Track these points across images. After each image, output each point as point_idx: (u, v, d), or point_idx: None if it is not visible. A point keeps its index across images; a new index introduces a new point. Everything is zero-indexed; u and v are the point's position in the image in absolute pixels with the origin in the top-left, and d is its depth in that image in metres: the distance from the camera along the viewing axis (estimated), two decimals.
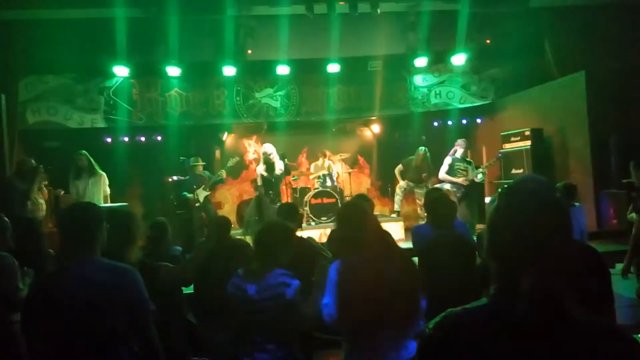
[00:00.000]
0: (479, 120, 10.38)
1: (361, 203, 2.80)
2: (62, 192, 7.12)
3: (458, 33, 8.16)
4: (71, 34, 7.40)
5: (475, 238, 4.46)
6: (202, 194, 8.19)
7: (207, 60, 8.68)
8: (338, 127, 10.62)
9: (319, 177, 9.15)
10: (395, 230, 8.15)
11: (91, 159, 6.80)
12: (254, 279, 2.61)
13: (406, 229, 8.59)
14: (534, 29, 8.40)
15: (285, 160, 9.08)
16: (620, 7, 7.82)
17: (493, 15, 8.17)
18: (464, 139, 8.26)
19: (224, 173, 8.17)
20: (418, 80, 9.76)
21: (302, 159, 10.58)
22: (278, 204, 7.58)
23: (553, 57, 8.47)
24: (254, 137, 10.48)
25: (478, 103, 9.88)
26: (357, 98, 9.67)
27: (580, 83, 7.57)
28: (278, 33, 7.98)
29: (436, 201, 3.45)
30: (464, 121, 10.34)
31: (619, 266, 5.08)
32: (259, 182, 7.92)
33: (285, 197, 9.10)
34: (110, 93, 8.88)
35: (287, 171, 8.64)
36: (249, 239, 6.11)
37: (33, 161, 6.30)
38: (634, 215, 4.99)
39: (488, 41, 8.83)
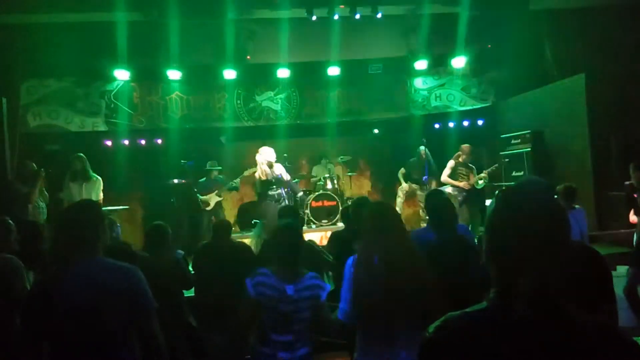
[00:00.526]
0: (479, 123, 10.38)
1: (388, 203, 2.86)
2: (64, 195, 7.12)
3: (458, 36, 8.17)
4: (72, 38, 7.41)
5: (477, 241, 4.46)
6: (214, 198, 8.19)
7: (208, 64, 8.70)
8: (338, 130, 10.61)
9: (319, 180, 9.16)
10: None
11: (86, 163, 6.75)
12: (291, 280, 2.69)
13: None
14: (533, 31, 8.41)
15: (286, 163, 9.08)
16: (620, 9, 7.83)
17: (493, 18, 8.18)
18: (468, 145, 8.20)
19: (239, 181, 8.16)
20: (418, 83, 9.78)
21: (303, 162, 10.58)
22: (280, 205, 7.55)
23: (553, 60, 8.47)
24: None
25: (478, 105, 9.89)
26: (357, 101, 9.68)
27: (580, 85, 7.57)
28: (278, 36, 7.99)
29: (437, 204, 3.45)
30: (465, 124, 10.35)
31: (620, 268, 5.07)
32: (259, 188, 7.82)
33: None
34: (111, 96, 8.89)
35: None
36: (248, 241, 6.13)
37: (34, 165, 6.30)
38: (635, 217, 5.00)
39: (489, 46, 8.83)
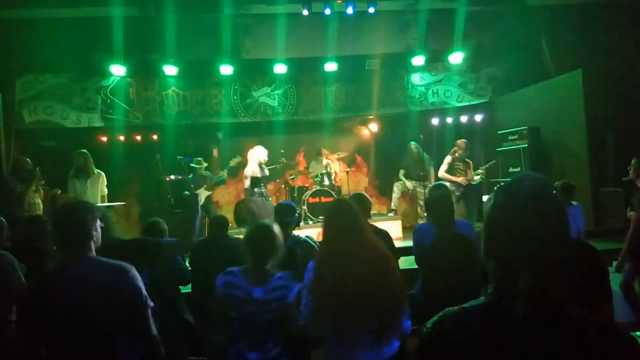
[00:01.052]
0: (476, 119, 10.38)
1: (349, 202, 2.78)
2: (60, 192, 7.10)
3: (455, 32, 8.17)
4: (68, 33, 7.38)
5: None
6: (203, 193, 8.20)
7: (204, 59, 8.66)
8: (336, 125, 10.60)
9: (316, 176, 9.15)
10: (393, 229, 8.15)
11: (90, 159, 6.74)
12: (258, 281, 2.64)
13: (404, 228, 8.61)
14: (531, 27, 8.41)
15: (283, 159, 9.08)
16: (617, 5, 7.83)
17: (490, 13, 8.17)
18: (464, 140, 8.32)
19: (225, 173, 8.18)
20: (415, 78, 9.77)
21: (300, 157, 10.57)
22: (272, 202, 7.66)
23: (550, 56, 8.48)
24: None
25: (475, 101, 9.89)
26: (354, 97, 9.67)
27: (577, 81, 7.58)
28: (275, 32, 7.97)
29: (437, 200, 3.45)
30: (462, 119, 10.35)
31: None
32: (248, 184, 7.90)
33: (284, 196, 9.10)
34: (107, 92, 8.86)
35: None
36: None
37: (30, 162, 6.25)
38: (632, 213, 5.00)
39: (486, 42, 8.83)
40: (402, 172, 8.95)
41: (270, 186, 10.15)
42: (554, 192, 4.71)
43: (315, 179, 9.15)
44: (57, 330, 2.04)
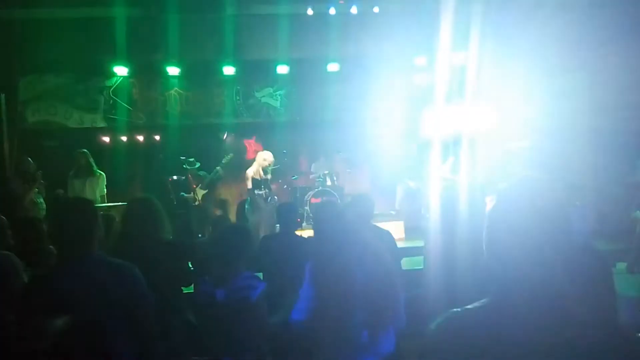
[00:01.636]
0: None
1: (334, 202, 2.82)
2: (62, 192, 7.11)
3: (456, 32, 8.12)
4: (71, 33, 7.39)
5: None
6: (200, 193, 8.20)
7: (207, 60, 8.67)
8: (338, 126, 10.58)
9: (319, 177, 9.14)
10: (396, 229, 8.13)
11: (90, 159, 6.76)
12: (221, 283, 2.61)
13: (406, 229, 8.59)
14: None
15: (286, 159, 9.08)
16: (622, 4, 7.78)
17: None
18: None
19: (220, 169, 8.20)
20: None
21: (302, 158, 10.55)
22: (275, 202, 7.68)
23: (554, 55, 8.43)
24: (254, 137, 10.46)
25: None
26: (356, 97, 9.64)
27: (582, 81, 7.55)
28: (277, 32, 7.97)
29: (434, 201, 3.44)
30: None
31: (620, 265, 5.07)
32: (250, 185, 7.93)
33: (286, 197, 9.10)
34: (110, 92, 8.87)
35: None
36: None
37: (32, 164, 6.25)
38: (638, 213, 4.99)
39: None
40: (405, 172, 8.93)
41: (272, 186, 10.15)
42: (556, 192, 4.70)
43: (318, 179, 9.15)
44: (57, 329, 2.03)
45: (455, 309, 1.19)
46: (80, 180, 6.65)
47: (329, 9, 7.48)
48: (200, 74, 9.10)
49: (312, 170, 9.67)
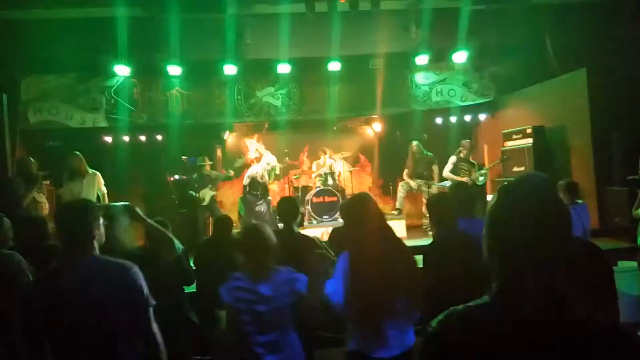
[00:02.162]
0: (480, 118, 10.36)
1: (366, 199, 2.90)
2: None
3: (459, 31, 8.13)
4: (72, 34, 7.39)
5: None
6: (208, 193, 8.23)
7: (208, 59, 8.67)
8: (339, 125, 10.61)
9: (320, 176, 9.16)
10: (398, 228, 8.15)
11: (82, 160, 6.70)
12: (264, 278, 2.65)
13: (408, 228, 8.60)
14: (535, 25, 8.37)
15: (287, 159, 9.10)
16: (621, 3, 7.78)
17: (494, 12, 8.14)
18: (468, 141, 8.47)
19: (232, 172, 8.24)
20: (419, 78, 9.74)
21: (304, 157, 10.57)
22: (268, 205, 7.74)
23: (554, 54, 8.44)
24: (255, 136, 10.48)
25: (479, 101, 9.86)
26: (358, 96, 9.65)
27: (582, 80, 7.55)
28: (279, 31, 7.96)
29: (437, 201, 3.44)
30: (466, 119, 10.33)
31: (621, 264, 5.07)
32: (247, 182, 7.95)
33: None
34: (112, 92, 8.89)
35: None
36: None
37: (34, 164, 6.25)
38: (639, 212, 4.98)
39: (497, 38, 8.77)
40: (405, 171, 8.94)
41: (273, 185, 10.18)
42: (557, 191, 4.70)
43: (319, 179, 9.16)
44: (60, 329, 2.04)
45: (456, 307, 1.19)
46: (76, 181, 6.62)
47: (330, 8, 7.46)
48: (202, 74, 9.11)
49: (313, 169, 9.69)
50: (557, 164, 8.13)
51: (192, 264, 4.66)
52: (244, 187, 7.91)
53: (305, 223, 8.38)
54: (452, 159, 8.35)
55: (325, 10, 7.47)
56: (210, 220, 8.10)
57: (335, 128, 10.55)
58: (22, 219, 3.77)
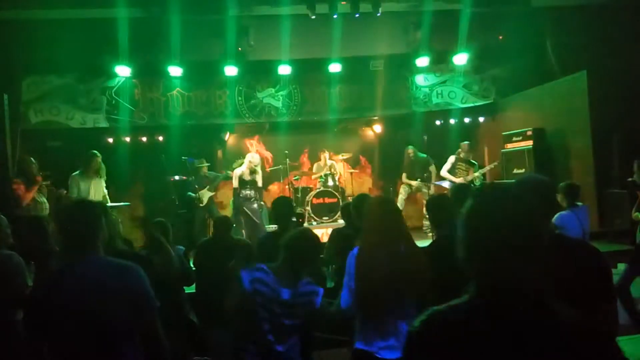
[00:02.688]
0: (480, 120, 10.37)
1: (388, 198, 2.96)
2: (65, 192, 7.12)
3: (460, 33, 8.16)
4: (73, 34, 7.40)
5: None
6: (206, 194, 8.24)
7: (209, 60, 8.68)
8: (340, 127, 10.61)
9: (320, 177, 9.16)
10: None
11: (101, 162, 6.77)
12: (289, 284, 2.65)
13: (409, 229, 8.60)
14: (535, 28, 8.38)
15: (287, 160, 9.10)
16: (621, 5, 7.80)
17: (495, 14, 8.16)
18: (467, 143, 8.53)
19: (230, 172, 8.24)
20: (420, 80, 9.76)
21: (304, 158, 10.58)
22: (260, 203, 7.74)
23: (555, 57, 8.45)
24: (256, 138, 10.49)
25: (480, 103, 9.87)
26: (358, 98, 9.67)
27: (582, 82, 7.56)
28: (279, 33, 7.98)
29: (437, 203, 3.46)
30: (466, 121, 10.34)
31: (621, 266, 5.07)
32: (236, 184, 7.95)
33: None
34: (113, 93, 8.89)
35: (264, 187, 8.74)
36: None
37: (35, 165, 6.25)
38: (639, 214, 4.98)
39: (500, 37, 8.77)
40: (404, 175, 8.97)
41: (274, 187, 10.19)
42: (558, 193, 4.70)
43: (319, 180, 9.17)
44: (62, 330, 2.03)
45: (437, 307, 1.23)
46: (87, 181, 6.65)
47: (331, 10, 7.47)
48: (202, 75, 9.12)
49: (313, 170, 9.70)
50: (557, 166, 8.14)
51: (191, 264, 4.67)
52: (234, 189, 7.92)
53: (305, 224, 8.38)
54: (451, 158, 8.45)
55: (326, 11, 7.49)
56: (210, 220, 8.11)
57: (335, 129, 10.55)
58: (22, 219, 3.78)
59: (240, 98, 9.39)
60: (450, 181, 8.08)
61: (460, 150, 8.46)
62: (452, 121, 10.25)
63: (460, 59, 8.80)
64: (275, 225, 4.29)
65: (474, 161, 8.48)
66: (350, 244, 3.43)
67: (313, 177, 9.55)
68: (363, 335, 2.66)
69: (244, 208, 7.55)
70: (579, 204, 4.89)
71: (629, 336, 3.88)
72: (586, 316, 1.84)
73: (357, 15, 7.61)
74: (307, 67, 9.07)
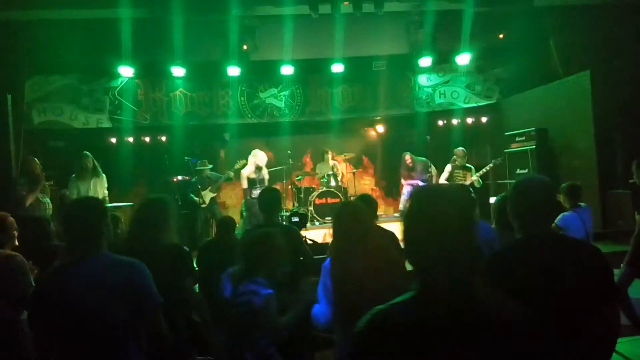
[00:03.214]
0: (483, 120, 10.35)
1: (358, 205, 2.82)
2: (68, 192, 7.14)
3: (462, 33, 8.14)
4: (76, 35, 7.42)
5: None
6: (208, 195, 8.24)
7: (212, 61, 8.69)
8: (342, 127, 10.61)
9: (323, 177, 9.16)
10: (400, 230, 8.16)
11: (94, 161, 6.78)
12: (234, 282, 2.70)
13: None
14: (538, 28, 8.36)
15: (290, 160, 9.10)
16: (624, 5, 7.77)
17: (498, 14, 8.15)
18: (461, 149, 8.52)
19: (231, 173, 8.24)
20: (422, 80, 9.75)
21: (307, 159, 10.58)
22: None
23: (558, 57, 8.43)
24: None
25: (483, 103, 9.85)
26: (361, 98, 9.67)
27: (585, 82, 7.53)
28: (282, 33, 7.98)
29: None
30: (469, 121, 10.32)
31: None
32: (245, 185, 7.95)
33: (290, 197, 9.11)
34: (116, 93, 8.92)
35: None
36: None
37: (38, 165, 6.26)
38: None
39: (501, 36, 8.75)
40: (402, 180, 9.02)
41: (276, 187, 10.16)
42: (559, 194, 4.68)
43: (322, 180, 9.17)
44: (67, 327, 2.04)
45: (380, 306, 1.27)
46: (85, 182, 6.66)
47: (333, 10, 7.47)
48: (205, 75, 9.14)
49: (316, 170, 9.70)
50: (560, 166, 8.12)
51: (194, 265, 4.67)
52: (244, 190, 7.91)
53: (308, 224, 8.38)
54: (448, 167, 8.53)
55: (329, 12, 7.49)
56: (212, 221, 8.11)
57: (338, 129, 10.55)
58: (25, 219, 3.78)
59: (242, 98, 9.40)
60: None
61: (455, 157, 8.47)
62: (455, 121, 10.24)
63: (463, 59, 8.79)
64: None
65: (469, 165, 8.48)
66: None
67: (316, 177, 9.56)
68: (342, 346, 2.58)
69: (253, 210, 7.53)
70: (582, 204, 4.87)
71: (628, 337, 3.88)
72: (589, 317, 1.84)
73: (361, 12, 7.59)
74: (310, 67, 9.08)
